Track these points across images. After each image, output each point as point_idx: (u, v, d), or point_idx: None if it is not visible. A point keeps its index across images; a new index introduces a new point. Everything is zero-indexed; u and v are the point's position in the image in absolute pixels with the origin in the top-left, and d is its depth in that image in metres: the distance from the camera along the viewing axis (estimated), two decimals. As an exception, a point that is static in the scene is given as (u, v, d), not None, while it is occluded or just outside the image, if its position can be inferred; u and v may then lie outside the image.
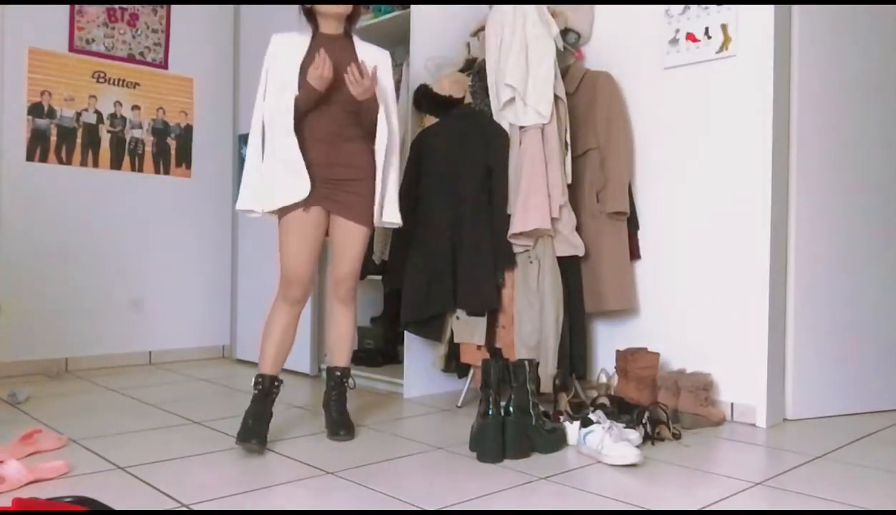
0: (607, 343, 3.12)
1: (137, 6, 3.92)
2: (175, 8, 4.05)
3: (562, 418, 2.45)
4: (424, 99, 3.03)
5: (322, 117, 2.34)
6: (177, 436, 2.42)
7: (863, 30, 2.89)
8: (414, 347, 3.14)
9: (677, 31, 2.91)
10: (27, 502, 1.38)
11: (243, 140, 4.13)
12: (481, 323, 2.84)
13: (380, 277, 3.30)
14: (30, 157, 3.60)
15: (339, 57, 2.34)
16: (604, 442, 2.18)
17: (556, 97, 2.83)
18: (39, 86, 3.63)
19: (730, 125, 2.78)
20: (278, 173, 2.27)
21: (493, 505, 1.78)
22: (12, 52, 3.54)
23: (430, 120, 3.05)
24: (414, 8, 3.14)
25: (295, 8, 3.76)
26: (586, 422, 2.31)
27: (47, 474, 1.87)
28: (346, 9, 2.40)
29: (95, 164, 3.81)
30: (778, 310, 2.73)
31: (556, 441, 2.28)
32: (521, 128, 2.83)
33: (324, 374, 3.58)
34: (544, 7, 2.91)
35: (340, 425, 2.38)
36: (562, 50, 2.95)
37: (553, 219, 2.78)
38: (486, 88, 2.96)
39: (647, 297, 3.03)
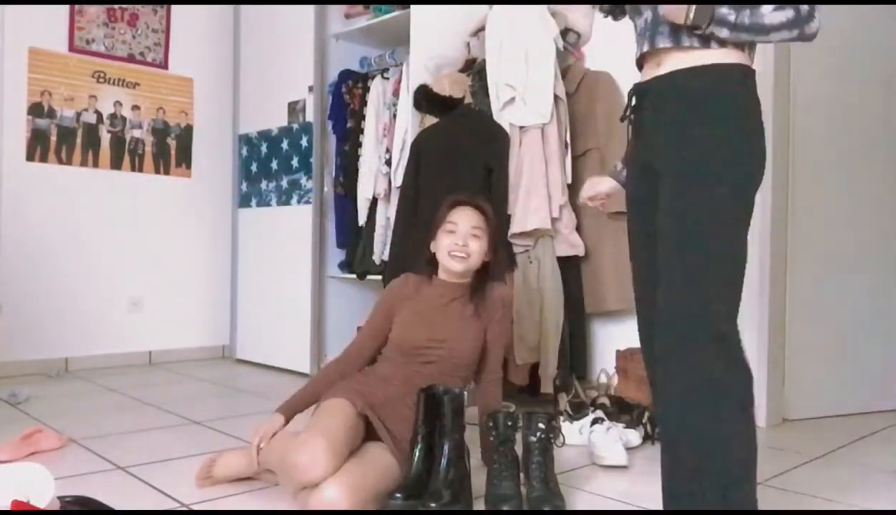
0: (607, 343, 3.12)
1: (137, 6, 3.91)
2: (175, 8, 4.05)
3: (562, 418, 2.45)
4: (424, 99, 3.03)
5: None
6: (177, 436, 2.42)
7: (863, 30, 2.89)
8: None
9: (677, 31, 2.91)
10: (26, 505, 1.38)
11: (243, 140, 4.13)
12: (481, 323, 2.84)
13: (380, 277, 3.30)
14: (30, 157, 3.60)
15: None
16: (594, 443, 2.18)
17: (556, 97, 2.83)
18: (39, 86, 3.62)
19: (730, 125, 2.77)
20: None
21: (493, 505, 1.78)
22: (12, 52, 3.53)
23: (430, 120, 3.04)
24: (414, 8, 3.14)
25: (294, 8, 3.78)
26: (594, 421, 2.31)
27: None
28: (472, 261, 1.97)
29: (95, 164, 3.81)
30: (777, 310, 2.73)
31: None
32: (521, 128, 2.83)
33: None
34: (544, 7, 2.91)
35: None
36: (562, 50, 2.95)
37: (553, 219, 2.78)
38: (486, 88, 2.96)
39: (647, 297, 3.02)
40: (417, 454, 1.71)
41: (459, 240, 1.95)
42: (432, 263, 2.04)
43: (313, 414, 1.84)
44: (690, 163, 1.41)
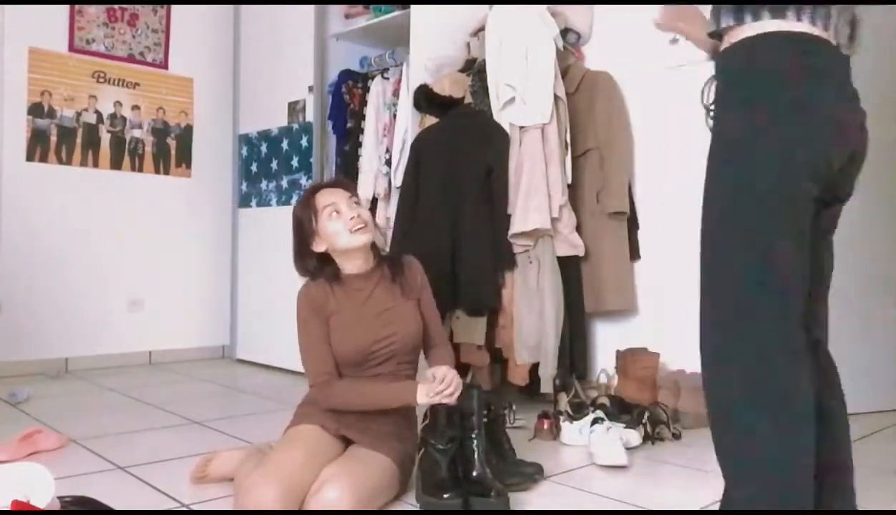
0: (607, 343, 3.12)
1: (137, 6, 3.92)
2: (175, 8, 4.05)
3: (561, 418, 2.45)
4: (424, 99, 3.03)
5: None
6: (177, 436, 2.42)
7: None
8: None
9: (677, 30, 2.91)
10: (26, 505, 1.38)
11: (243, 140, 4.13)
12: (481, 322, 2.84)
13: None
14: (30, 157, 3.60)
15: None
16: (594, 443, 2.18)
17: (556, 97, 2.83)
18: (39, 86, 3.63)
19: (730, 125, 2.77)
20: None
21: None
22: (12, 52, 3.53)
23: (430, 120, 3.04)
24: (414, 8, 3.14)
25: (294, 8, 3.78)
26: (595, 421, 2.31)
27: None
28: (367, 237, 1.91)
29: (95, 164, 3.81)
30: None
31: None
32: (521, 127, 2.83)
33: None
34: (544, 7, 2.91)
35: None
36: (562, 50, 2.95)
37: (553, 219, 2.78)
38: (486, 88, 2.95)
39: (647, 297, 3.02)
40: (446, 453, 1.73)
41: (351, 213, 1.87)
42: (328, 263, 1.95)
43: (279, 440, 1.84)
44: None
